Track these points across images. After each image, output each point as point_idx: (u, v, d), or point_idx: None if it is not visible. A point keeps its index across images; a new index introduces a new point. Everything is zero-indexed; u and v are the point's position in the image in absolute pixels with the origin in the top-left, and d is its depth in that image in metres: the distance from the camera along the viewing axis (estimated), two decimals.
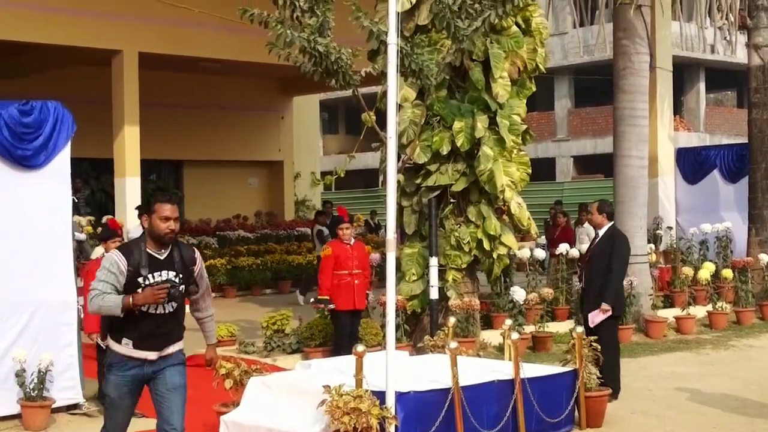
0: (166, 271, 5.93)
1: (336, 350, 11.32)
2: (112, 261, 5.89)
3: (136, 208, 13.58)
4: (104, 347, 9.59)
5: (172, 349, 6.07)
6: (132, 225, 13.81)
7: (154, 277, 5.87)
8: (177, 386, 6.10)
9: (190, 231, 21.48)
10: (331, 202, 22.85)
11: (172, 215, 5.97)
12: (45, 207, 9.58)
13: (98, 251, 11.40)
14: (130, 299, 5.77)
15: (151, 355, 5.97)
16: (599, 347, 9.44)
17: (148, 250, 5.92)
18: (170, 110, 22.30)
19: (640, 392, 10.34)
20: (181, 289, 5.98)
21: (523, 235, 14.21)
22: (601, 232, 10.29)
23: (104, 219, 14.48)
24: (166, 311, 5.94)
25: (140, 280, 5.83)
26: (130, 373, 5.96)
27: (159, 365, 6.01)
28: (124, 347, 5.92)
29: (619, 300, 10.30)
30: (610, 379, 9.83)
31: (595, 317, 10.08)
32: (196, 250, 6.33)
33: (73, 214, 10.38)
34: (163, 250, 5.97)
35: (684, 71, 35.75)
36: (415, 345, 11.64)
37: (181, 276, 5.98)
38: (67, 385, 9.57)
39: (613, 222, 10.49)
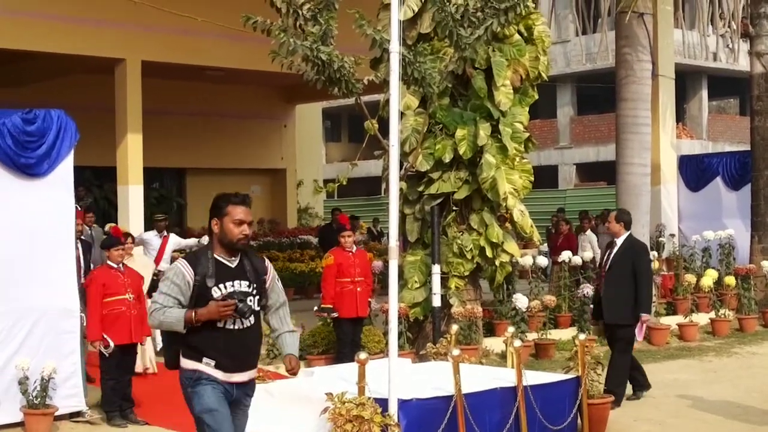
0: (238, 281, 5.35)
1: (338, 358, 11.34)
2: (177, 271, 5.32)
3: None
4: (106, 355, 9.66)
5: (252, 373, 5.53)
6: (148, 234, 13.67)
7: (226, 288, 5.30)
8: (243, 425, 5.66)
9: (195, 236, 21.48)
10: (339, 209, 22.95)
11: (247, 219, 5.45)
12: (48, 215, 9.59)
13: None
14: (193, 314, 5.19)
15: (235, 378, 5.38)
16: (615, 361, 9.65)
17: (216, 257, 5.36)
18: (173, 118, 22.31)
19: (643, 399, 10.35)
20: (251, 302, 5.36)
21: (525, 242, 14.25)
22: (619, 241, 10.31)
23: (107, 227, 14.49)
24: (239, 326, 5.32)
25: (213, 290, 5.26)
26: (221, 388, 5.33)
27: (243, 390, 5.47)
28: (206, 366, 5.29)
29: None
30: (617, 384, 9.93)
31: (640, 332, 10.23)
32: (266, 259, 5.78)
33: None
34: (233, 258, 5.40)
35: (686, 79, 35.74)
36: (417, 352, 11.65)
37: (254, 286, 5.40)
38: (70, 393, 9.58)
39: (630, 231, 10.53)
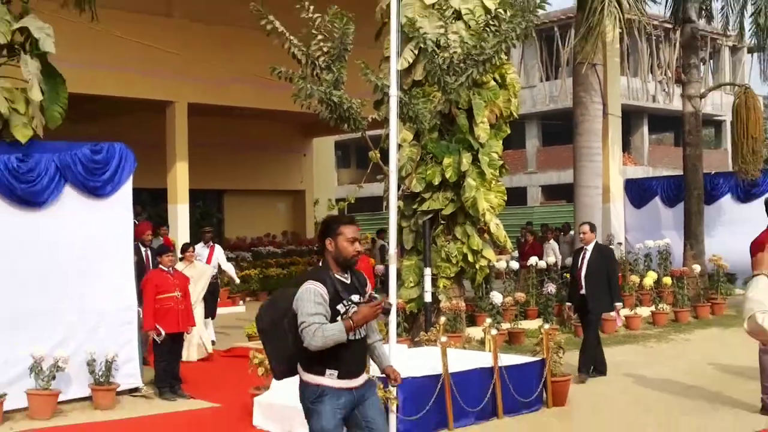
0: (353, 295, 4.80)
1: None
2: (314, 292, 4.65)
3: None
4: (159, 342, 9.66)
5: (366, 375, 4.97)
6: (197, 245, 13.47)
7: (346, 303, 4.74)
8: (383, 410, 5.28)
9: (230, 247, 21.47)
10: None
11: (357, 236, 4.89)
12: (111, 229, 9.64)
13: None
14: (351, 322, 4.63)
15: (356, 382, 4.82)
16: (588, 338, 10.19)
17: (336, 276, 4.78)
18: (213, 149, 22.36)
19: (597, 378, 10.33)
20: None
21: (500, 249, 14.19)
22: (590, 248, 10.48)
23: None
24: (357, 337, 4.77)
25: (339, 307, 4.70)
26: (341, 402, 4.76)
27: (363, 390, 4.87)
28: (329, 379, 4.71)
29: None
30: (600, 362, 10.36)
31: (618, 319, 10.54)
32: (363, 272, 5.23)
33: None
34: (346, 275, 4.84)
35: (631, 117, 35.74)
36: (412, 339, 11.61)
37: (362, 298, 4.84)
38: (129, 373, 9.62)
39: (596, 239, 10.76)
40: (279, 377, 5.05)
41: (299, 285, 4.75)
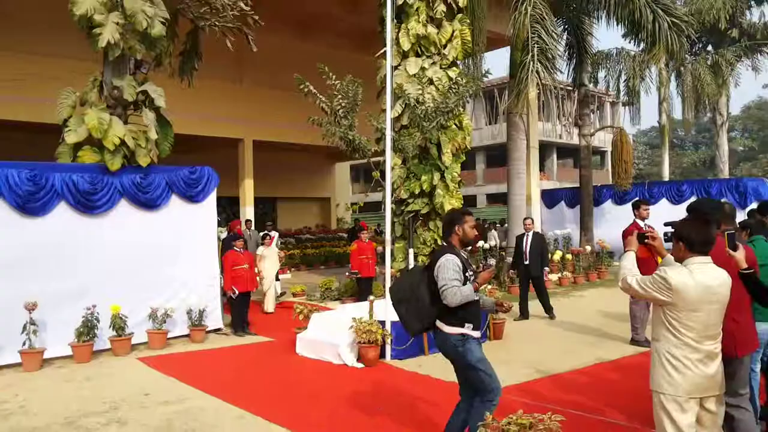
0: (469, 267, 4.40)
1: (359, 299, 11.33)
2: (453, 262, 4.24)
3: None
4: (234, 297, 9.65)
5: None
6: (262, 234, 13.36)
7: (473, 271, 4.39)
8: None
9: (281, 235, 21.45)
10: (358, 219, 22.90)
11: (476, 224, 4.58)
12: (203, 224, 9.63)
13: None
14: (477, 284, 4.28)
15: (479, 333, 4.38)
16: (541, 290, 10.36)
17: (461, 252, 4.38)
18: (269, 170, 22.35)
19: (523, 322, 10.31)
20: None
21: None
22: (530, 234, 10.57)
23: (262, 233, 14.52)
24: (477, 297, 4.35)
25: (467, 274, 4.29)
26: (478, 345, 4.37)
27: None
28: (467, 329, 4.29)
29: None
30: (549, 308, 10.44)
31: (547, 278, 11.02)
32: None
33: (218, 228, 10.38)
34: (464, 252, 4.44)
35: (545, 148, 35.75)
36: None
37: (482, 267, 4.46)
38: (214, 318, 9.63)
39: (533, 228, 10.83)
40: (417, 333, 4.45)
41: (435, 260, 4.30)
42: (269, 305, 11.65)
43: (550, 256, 15.27)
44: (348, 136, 10.10)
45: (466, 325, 4.30)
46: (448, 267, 4.23)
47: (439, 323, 4.34)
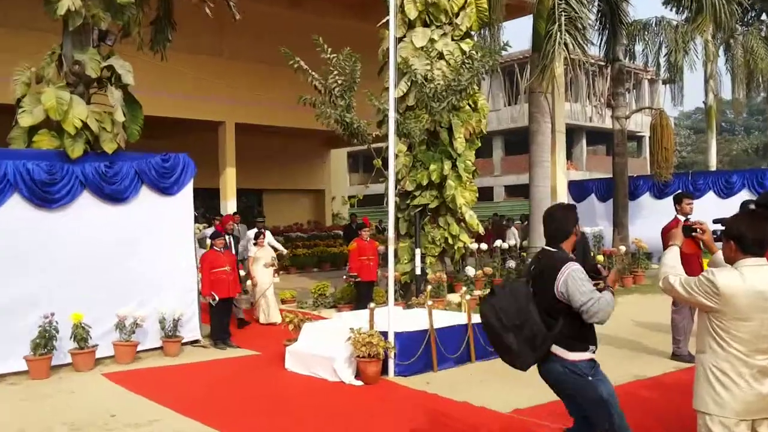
0: None
1: (358, 306, 11.33)
2: (581, 271, 3.88)
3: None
4: (213, 304, 9.65)
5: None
6: (251, 232, 13.03)
7: (594, 276, 4.00)
8: None
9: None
10: (356, 215, 22.91)
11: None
12: (177, 220, 9.61)
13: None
14: (611, 289, 3.97)
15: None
16: None
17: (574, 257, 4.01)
18: (255, 158, 22.35)
19: None
20: None
21: (473, 234, 14.21)
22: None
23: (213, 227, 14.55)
24: None
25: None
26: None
27: None
28: (591, 353, 3.98)
29: None
30: None
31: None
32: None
33: (196, 224, 10.37)
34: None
35: (573, 133, 35.73)
36: (406, 303, 11.64)
37: (605, 272, 4.17)
38: (191, 328, 9.62)
39: None
40: (527, 367, 4.00)
41: (549, 272, 3.89)
42: (271, 314, 11.20)
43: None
44: (345, 119, 10.10)
45: (590, 348, 3.95)
46: (581, 278, 3.84)
47: (557, 349, 3.93)
